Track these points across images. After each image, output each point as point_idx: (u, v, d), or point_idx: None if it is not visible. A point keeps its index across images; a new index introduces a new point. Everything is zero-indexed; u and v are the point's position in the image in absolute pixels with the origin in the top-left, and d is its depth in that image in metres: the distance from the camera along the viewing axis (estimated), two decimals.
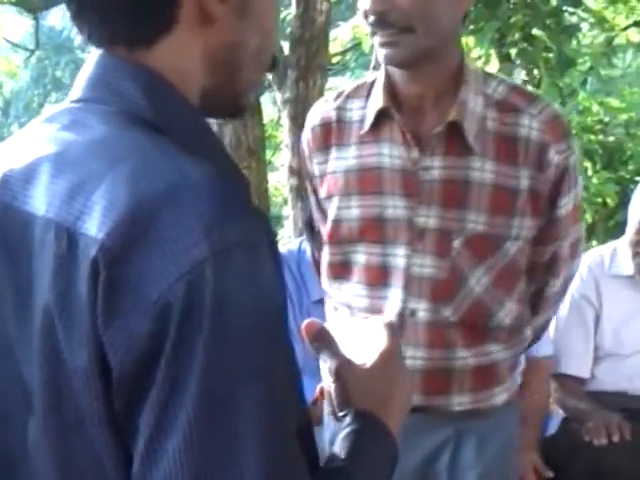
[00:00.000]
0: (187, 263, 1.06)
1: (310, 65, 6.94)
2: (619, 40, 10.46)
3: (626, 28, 11.00)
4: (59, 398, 1.16)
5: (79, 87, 1.27)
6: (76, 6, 1.27)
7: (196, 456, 1.07)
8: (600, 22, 9.53)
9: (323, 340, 1.39)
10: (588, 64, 8.97)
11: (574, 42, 8.84)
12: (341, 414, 1.38)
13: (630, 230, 4.05)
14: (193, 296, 1.06)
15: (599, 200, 7.87)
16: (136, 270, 1.08)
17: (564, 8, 8.62)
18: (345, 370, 1.37)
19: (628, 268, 4.08)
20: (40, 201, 1.16)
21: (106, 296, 1.08)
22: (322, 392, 1.43)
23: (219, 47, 1.28)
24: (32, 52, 15.18)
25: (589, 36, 9.39)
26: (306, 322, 1.40)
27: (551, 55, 8.27)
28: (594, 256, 4.23)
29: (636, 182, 7.44)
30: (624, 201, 4.21)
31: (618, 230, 4.28)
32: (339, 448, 1.31)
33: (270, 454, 1.11)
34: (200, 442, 1.07)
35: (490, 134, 2.45)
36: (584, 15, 9.11)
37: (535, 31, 8.37)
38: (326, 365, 1.40)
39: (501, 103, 2.50)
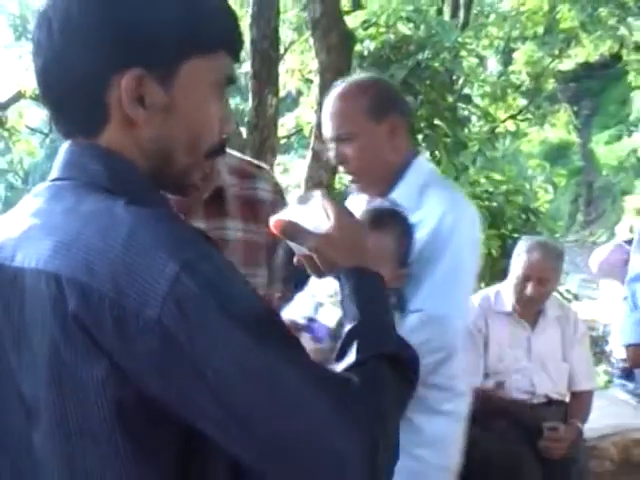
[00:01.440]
0: (166, 281, 1.07)
1: (263, 147, 6.95)
2: (500, 129, 10.62)
3: (505, 120, 11.18)
4: (65, 409, 1.14)
5: (56, 169, 1.28)
6: (50, 115, 1.30)
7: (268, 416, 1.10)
8: (485, 116, 9.65)
9: (291, 229, 1.38)
10: (477, 147, 9.04)
11: (466, 130, 8.94)
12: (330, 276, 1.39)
13: (511, 280, 4.09)
14: (183, 303, 1.08)
15: (486, 252, 7.90)
16: (131, 299, 1.08)
17: (458, 104, 8.73)
18: (320, 242, 1.37)
19: (508, 306, 4.12)
20: (30, 258, 1.17)
21: (114, 326, 1.09)
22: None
23: (147, 140, 1.25)
24: (46, 135, 15.19)
25: (477, 126, 9.48)
26: (273, 220, 1.39)
27: (448, 140, 8.37)
28: (483, 295, 4.26)
29: (513, 237, 7.50)
30: (504, 252, 4.25)
31: (501, 275, 4.32)
32: (348, 306, 1.32)
33: (310, 375, 1.13)
34: (264, 402, 1.10)
35: (234, 197, 2.36)
36: (473, 110, 9.22)
37: (436, 121, 8.46)
38: (300, 248, 1.40)
39: (238, 171, 2.41)
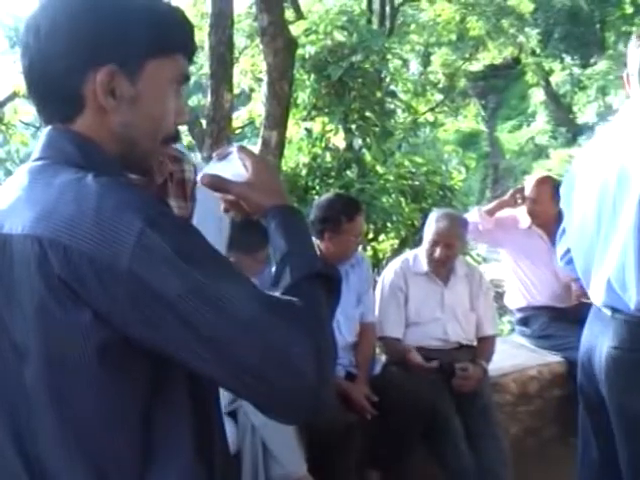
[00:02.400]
0: (133, 235, 1.11)
1: (220, 136, 6.89)
2: (420, 120, 10.65)
3: (425, 113, 11.20)
4: (53, 352, 1.17)
5: (37, 151, 1.30)
6: (35, 106, 1.32)
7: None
8: (408, 109, 9.66)
9: (217, 182, 1.39)
10: (401, 135, 9.06)
11: (392, 121, 8.95)
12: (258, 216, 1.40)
13: (424, 245, 4.12)
14: (148, 251, 1.11)
15: (409, 222, 7.94)
16: (105, 254, 1.11)
17: (386, 99, 8.73)
18: (243, 188, 1.38)
19: (424, 267, 4.14)
20: (16, 225, 1.19)
21: (94, 278, 1.12)
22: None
23: (116, 126, 1.28)
24: (37, 128, 15.02)
25: (402, 117, 9.49)
26: (200, 176, 1.40)
27: (377, 129, 8.37)
28: (403, 259, 4.27)
29: (432, 211, 7.54)
30: (424, 223, 4.29)
31: (421, 242, 4.35)
32: (277, 240, 1.34)
33: (260, 298, 1.17)
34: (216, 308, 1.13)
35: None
36: (398, 104, 9.23)
37: (367, 114, 8.46)
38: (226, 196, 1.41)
39: (170, 156, 2.28)
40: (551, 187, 4.86)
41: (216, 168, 1.41)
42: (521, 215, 4.83)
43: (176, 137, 1.39)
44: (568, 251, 2.94)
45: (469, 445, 3.77)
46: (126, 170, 1.33)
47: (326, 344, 1.21)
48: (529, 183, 4.89)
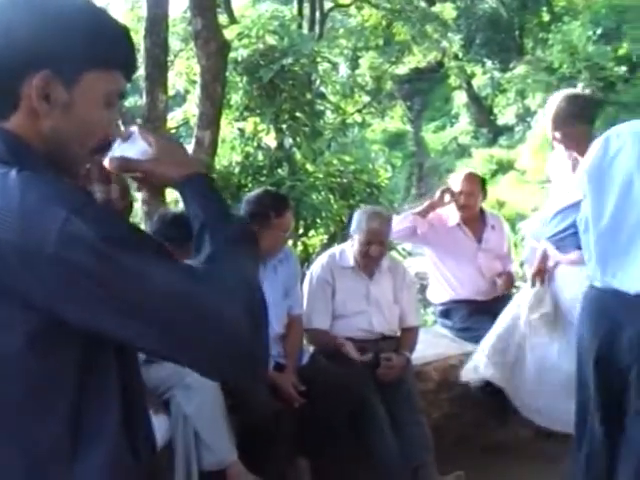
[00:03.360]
0: (58, 223, 1.11)
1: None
2: (349, 121, 10.69)
3: (353, 113, 11.25)
4: None
5: None
6: None
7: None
8: (337, 109, 9.69)
9: (123, 163, 1.38)
10: (331, 135, 9.08)
11: (322, 121, 8.97)
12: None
13: (356, 244, 4.13)
14: (73, 237, 1.11)
15: (338, 218, 7.97)
16: (32, 243, 1.11)
17: (315, 100, 8.75)
18: (151, 165, 1.38)
19: (351, 261, 4.17)
20: None
21: (21, 266, 1.12)
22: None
23: (47, 129, 1.27)
24: None
25: (331, 118, 9.51)
26: (106, 161, 1.39)
27: (307, 129, 8.38)
28: (329, 253, 4.29)
29: (360, 207, 7.58)
30: (352, 219, 4.31)
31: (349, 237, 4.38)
32: (192, 208, 1.34)
33: (184, 270, 1.19)
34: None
35: None
36: (328, 105, 9.25)
37: (298, 114, 8.46)
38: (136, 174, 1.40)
39: None
40: (479, 182, 4.97)
41: (121, 150, 1.39)
42: (448, 213, 4.89)
43: (106, 148, 1.38)
44: (564, 230, 3.10)
45: (394, 432, 3.81)
46: (54, 172, 1.31)
47: (256, 303, 1.23)
48: (456, 180, 4.95)
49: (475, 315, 4.75)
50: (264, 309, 1.26)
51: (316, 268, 4.22)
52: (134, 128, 1.42)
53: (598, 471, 2.85)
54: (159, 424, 3.15)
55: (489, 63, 19.29)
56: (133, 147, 1.39)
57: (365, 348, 4.03)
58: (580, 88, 14.41)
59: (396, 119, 20.81)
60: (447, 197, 4.84)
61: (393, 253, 7.51)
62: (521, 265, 6.17)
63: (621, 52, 15.03)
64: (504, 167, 16.00)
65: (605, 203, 2.76)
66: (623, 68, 14.70)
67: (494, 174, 15.92)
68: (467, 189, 4.87)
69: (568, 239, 3.09)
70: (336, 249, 4.33)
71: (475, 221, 4.98)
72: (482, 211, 5.02)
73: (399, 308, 4.22)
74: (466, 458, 4.09)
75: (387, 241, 4.19)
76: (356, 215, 4.19)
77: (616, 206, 2.74)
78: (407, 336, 4.23)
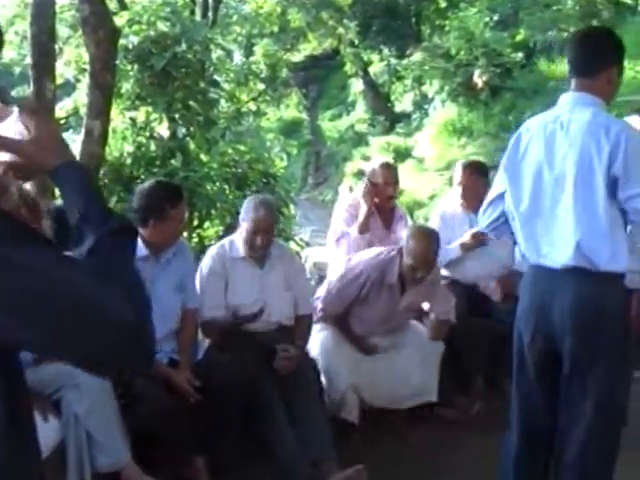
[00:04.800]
0: None
1: None
2: (244, 109, 10.67)
3: (247, 102, 11.23)
4: None
5: None
6: None
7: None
8: (231, 98, 9.66)
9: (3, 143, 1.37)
10: (225, 124, 9.05)
11: (215, 110, 8.92)
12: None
13: (243, 232, 4.16)
14: None
15: (233, 209, 7.94)
16: None
17: (209, 89, 8.70)
18: (29, 147, 1.37)
19: (242, 252, 4.18)
20: None
21: None
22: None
23: None
24: None
25: (225, 106, 9.48)
26: None
27: (201, 118, 8.33)
28: (220, 245, 4.31)
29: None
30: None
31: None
32: (70, 197, 1.34)
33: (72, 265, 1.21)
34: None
35: None
36: (222, 93, 9.21)
37: (191, 103, 8.40)
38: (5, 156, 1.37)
39: None
40: (393, 170, 5.12)
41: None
42: (361, 204, 4.99)
43: None
44: (497, 219, 3.33)
45: (293, 426, 3.85)
46: None
47: (138, 292, 1.25)
48: (370, 167, 5.12)
49: None
50: (146, 298, 1.27)
51: (207, 260, 4.22)
52: (13, 108, 1.39)
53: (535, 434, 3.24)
54: (49, 425, 3.11)
55: (386, 50, 19.46)
56: (10, 127, 1.37)
57: (261, 340, 4.06)
58: (476, 75, 14.75)
59: (292, 107, 20.85)
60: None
61: (291, 244, 7.58)
62: None
63: (518, 38, 15.33)
64: (401, 155, 16.17)
65: (522, 192, 3.16)
66: (520, 54, 15.01)
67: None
68: (386, 179, 5.02)
69: (501, 227, 3.35)
70: (226, 240, 4.36)
71: (385, 212, 5.13)
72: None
73: (292, 296, 4.26)
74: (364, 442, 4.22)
75: (274, 230, 4.23)
76: (244, 204, 4.22)
77: (531, 194, 3.13)
78: (301, 325, 4.29)
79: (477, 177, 5.21)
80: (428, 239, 4.27)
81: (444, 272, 5.18)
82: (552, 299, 3.08)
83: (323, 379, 4.22)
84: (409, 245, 4.29)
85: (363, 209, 4.93)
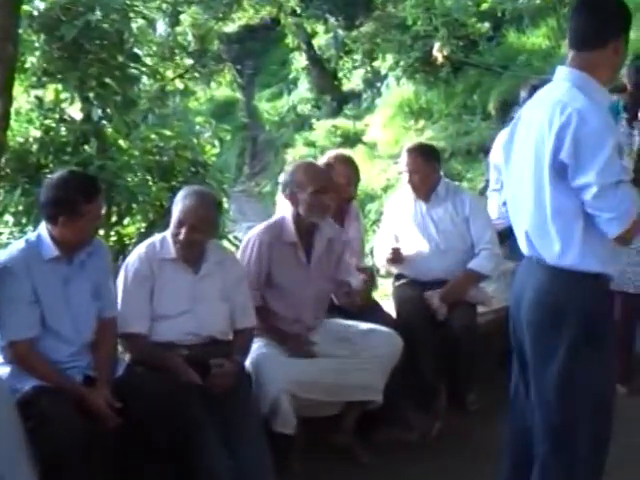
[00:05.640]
0: None
1: None
2: (169, 87, 10.61)
3: (173, 79, 11.18)
4: None
5: None
6: None
7: None
8: (154, 74, 9.60)
9: None
10: (147, 105, 8.98)
11: (136, 89, 8.85)
12: None
13: (170, 226, 4.14)
14: None
15: (158, 203, 7.91)
16: None
17: (128, 63, 8.63)
18: None
19: (174, 252, 4.17)
20: None
21: None
22: None
23: None
24: None
25: (147, 84, 9.41)
26: None
27: (119, 98, 8.26)
28: (148, 243, 4.27)
29: None
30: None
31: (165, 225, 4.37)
32: None
33: None
34: None
35: None
36: (143, 69, 9.14)
37: (107, 80, 8.32)
38: None
39: None
40: (355, 166, 5.20)
41: None
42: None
43: None
44: (504, 203, 3.68)
45: (228, 451, 3.84)
46: None
47: None
48: (325, 161, 5.18)
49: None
50: None
51: (132, 260, 4.19)
52: None
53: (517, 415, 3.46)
54: None
55: (332, 20, 19.48)
56: None
57: (192, 354, 4.05)
58: (436, 48, 14.81)
59: (224, 86, 20.80)
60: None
61: (224, 242, 7.56)
62: (371, 252, 6.35)
63: (484, 7, 15.30)
64: (350, 140, 16.27)
65: (508, 177, 3.42)
66: (486, 25, 15.07)
67: (339, 147, 16.18)
68: (347, 178, 5.09)
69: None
70: (156, 238, 4.31)
71: (341, 213, 5.18)
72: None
73: (229, 307, 4.25)
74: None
75: (207, 227, 4.16)
76: (178, 194, 4.21)
77: (512, 179, 3.36)
78: (240, 338, 4.28)
79: (424, 161, 5.34)
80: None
81: (403, 271, 5.28)
82: (522, 290, 3.28)
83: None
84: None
85: None
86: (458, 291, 5.22)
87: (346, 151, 6.48)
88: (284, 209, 4.68)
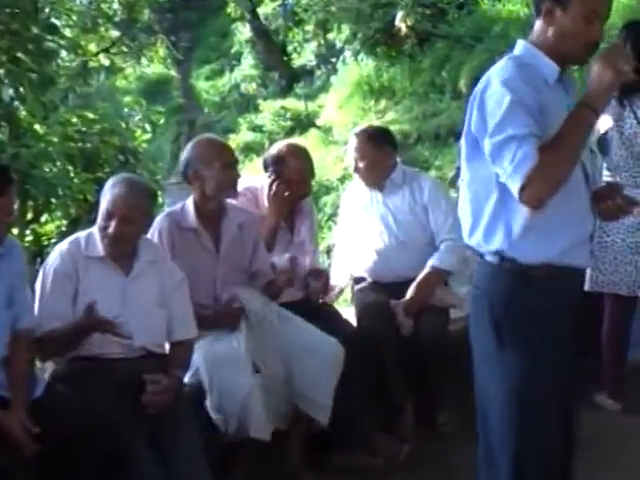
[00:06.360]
0: None
1: None
2: (92, 63, 10.57)
3: (97, 54, 11.13)
4: None
5: None
6: None
7: None
8: (75, 48, 9.55)
9: None
10: (67, 83, 8.94)
11: (54, 65, 8.80)
12: None
13: (99, 217, 4.13)
14: None
15: (81, 197, 7.87)
16: None
17: (44, 36, 8.57)
18: None
19: (101, 250, 4.15)
20: None
21: None
22: None
23: None
24: None
25: (67, 60, 9.36)
26: None
27: (34, 76, 8.19)
28: (72, 239, 4.24)
29: None
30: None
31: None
32: None
33: None
34: None
35: None
36: (62, 42, 9.09)
37: (19, 55, 8.25)
38: None
39: None
40: (309, 159, 5.23)
41: None
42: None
43: None
44: None
45: (165, 474, 3.83)
46: None
47: None
48: (275, 155, 5.20)
49: None
50: None
51: (53, 259, 4.17)
52: None
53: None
54: None
55: None
56: None
57: (123, 369, 4.03)
58: (399, 17, 14.82)
59: (156, 62, 20.70)
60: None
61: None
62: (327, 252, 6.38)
63: None
64: (302, 124, 16.29)
65: None
66: None
67: (289, 132, 16.21)
68: (301, 174, 5.12)
69: None
70: (81, 234, 4.29)
71: (292, 212, 5.22)
72: None
73: (167, 315, 4.24)
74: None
75: (140, 219, 4.16)
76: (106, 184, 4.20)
77: None
78: (178, 351, 4.27)
79: (374, 146, 5.39)
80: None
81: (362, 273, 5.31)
82: None
83: (209, 403, 4.22)
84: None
85: (269, 220, 5.02)
86: (423, 296, 5.21)
87: (298, 140, 6.48)
88: None
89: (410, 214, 5.36)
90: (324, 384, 4.53)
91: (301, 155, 5.25)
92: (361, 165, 5.36)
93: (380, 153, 5.35)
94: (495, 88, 3.02)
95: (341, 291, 5.55)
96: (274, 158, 5.11)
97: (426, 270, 5.27)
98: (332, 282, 5.33)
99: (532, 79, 3.05)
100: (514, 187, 2.95)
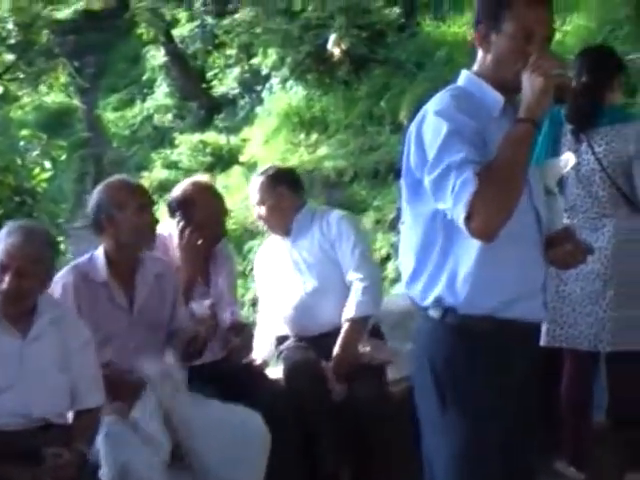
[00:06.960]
0: None
1: None
2: None
3: None
4: None
5: None
6: None
7: None
8: None
9: None
10: None
11: None
12: None
13: None
14: None
15: None
16: None
17: None
18: None
19: None
20: None
21: None
22: None
23: None
24: None
25: None
26: None
27: None
28: None
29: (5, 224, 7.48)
30: None
31: None
32: None
33: None
34: None
35: None
36: None
37: None
38: None
39: None
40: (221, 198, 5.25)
41: None
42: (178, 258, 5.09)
43: None
44: None
45: None
46: None
47: None
48: (182, 194, 5.15)
49: None
50: None
51: None
52: None
53: None
54: None
55: (198, 3, 19.61)
56: None
57: (20, 442, 3.98)
58: (332, 40, 14.90)
59: (57, 89, 20.63)
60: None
61: None
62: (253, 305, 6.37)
63: None
64: (223, 160, 16.33)
65: None
66: (396, 10, 15.24)
67: (209, 169, 16.16)
68: (214, 215, 5.12)
69: None
70: None
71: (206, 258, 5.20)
72: None
73: (70, 380, 4.19)
74: None
75: (38, 274, 4.09)
76: None
77: None
78: (82, 421, 4.22)
79: (269, 188, 5.39)
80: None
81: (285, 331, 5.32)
82: None
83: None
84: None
85: (183, 273, 5.00)
86: (349, 355, 5.15)
87: (219, 178, 6.47)
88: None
89: (321, 253, 5.29)
90: (248, 466, 4.49)
91: (210, 194, 5.22)
92: (262, 211, 5.36)
93: (276, 195, 5.33)
94: (430, 120, 3.09)
95: (266, 363, 5.46)
96: (181, 201, 5.08)
97: (344, 326, 5.21)
98: (254, 354, 5.29)
99: (470, 108, 3.10)
100: (459, 219, 2.96)
